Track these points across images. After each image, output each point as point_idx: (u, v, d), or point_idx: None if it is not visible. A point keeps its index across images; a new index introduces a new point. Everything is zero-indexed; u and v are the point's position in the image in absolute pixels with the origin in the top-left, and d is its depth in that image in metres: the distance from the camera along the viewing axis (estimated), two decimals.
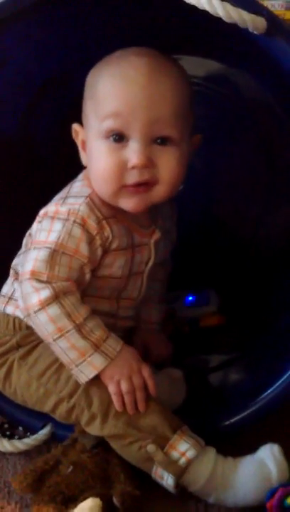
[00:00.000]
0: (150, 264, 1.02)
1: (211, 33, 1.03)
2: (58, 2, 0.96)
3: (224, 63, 1.25)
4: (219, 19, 0.85)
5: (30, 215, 1.00)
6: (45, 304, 0.89)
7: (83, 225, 0.92)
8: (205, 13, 0.85)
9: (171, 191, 0.96)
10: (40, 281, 0.90)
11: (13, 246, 1.05)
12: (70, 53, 1.10)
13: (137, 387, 0.92)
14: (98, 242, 0.93)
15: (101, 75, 0.95)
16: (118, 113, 0.91)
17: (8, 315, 1.01)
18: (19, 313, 0.99)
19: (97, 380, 0.92)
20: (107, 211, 0.95)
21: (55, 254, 0.91)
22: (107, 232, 0.94)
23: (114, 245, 0.95)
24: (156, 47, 0.96)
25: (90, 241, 0.93)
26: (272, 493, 0.89)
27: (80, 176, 1.00)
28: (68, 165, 1.03)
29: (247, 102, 1.28)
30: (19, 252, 1.04)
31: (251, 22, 0.84)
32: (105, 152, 0.93)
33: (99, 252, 0.94)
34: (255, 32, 0.86)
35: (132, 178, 0.92)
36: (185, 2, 0.85)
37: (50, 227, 0.93)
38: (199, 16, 0.86)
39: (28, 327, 0.97)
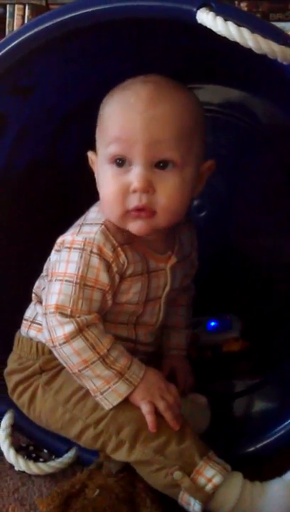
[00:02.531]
0: (167, 289, 1.02)
1: (231, 63, 1.05)
2: (85, 34, 0.98)
3: (244, 91, 1.27)
4: (240, 48, 0.86)
5: (53, 238, 1.01)
6: (69, 338, 0.91)
7: (100, 254, 0.93)
8: (226, 43, 0.86)
9: (173, 217, 0.95)
10: (65, 316, 0.91)
11: (37, 269, 1.06)
12: (95, 82, 1.11)
13: (172, 405, 0.93)
14: (114, 269, 0.94)
15: (107, 103, 0.97)
16: (119, 138, 0.92)
17: (31, 339, 1.02)
18: (41, 337, 1.00)
19: (125, 407, 0.93)
20: (122, 237, 0.95)
21: (77, 287, 0.92)
22: (122, 258, 0.95)
23: (129, 271, 0.96)
24: (177, 76, 0.97)
25: (108, 268, 0.93)
26: None
27: (98, 202, 1.01)
28: (92, 189, 1.04)
29: (268, 128, 1.29)
30: (41, 275, 1.05)
31: (281, 53, 0.85)
32: (110, 177, 0.94)
33: (117, 278, 0.95)
34: (284, 63, 0.87)
35: (133, 202, 0.92)
36: (207, 32, 0.87)
37: (68, 258, 0.94)
38: (220, 45, 0.87)
39: (51, 351, 0.97)
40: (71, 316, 0.91)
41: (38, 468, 1.05)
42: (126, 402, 0.93)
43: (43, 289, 1.00)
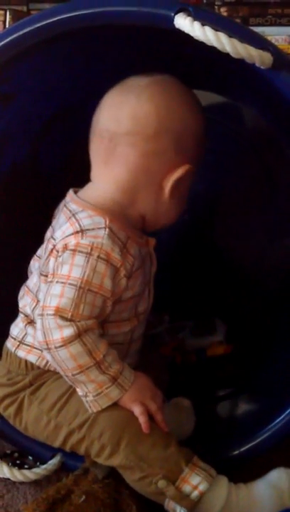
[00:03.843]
0: (153, 270, 1.03)
1: (215, 69, 1.05)
2: (67, 39, 0.98)
3: (226, 96, 1.27)
4: (222, 55, 0.86)
5: (36, 244, 1.01)
6: (67, 342, 0.89)
7: (107, 259, 0.91)
8: (209, 48, 0.86)
9: None
10: (64, 319, 0.89)
11: (21, 277, 1.05)
12: (78, 87, 1.12)
13: (161, 407, 0.93)
14: (122, 272, 0.92)
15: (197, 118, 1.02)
16: None
17: (20, 357, 1.01)
18: (31, 358, 0.99)
19: (107, 410, 0.92)
20: (123, 234, 0.94)
21: (80, 291, 0.89)
22: (130, 258, 0.94)
23: (135, 266, 0.95)
24: None
25: (114, 275, 0.92)
26: None
27: (78, 208, 0.97)
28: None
29: (251, 133, 1.30)
30: (21, 294, 1.03)
31: (259, 57, 0.86)
32: None
33: (123, 282, 0.93)
34: (262, 67, 0.87)
35: None
36: (191, 38, 0.87)
37: (72, 261, 0.91)
38: (204, 51, 0.87)
39: (41, 367, 0.98)
40: (71, 319, 0.89)
41: (22, 475, 1.04)
42: (109, 406, 0.92)
43: (34, 307, 0.99)
